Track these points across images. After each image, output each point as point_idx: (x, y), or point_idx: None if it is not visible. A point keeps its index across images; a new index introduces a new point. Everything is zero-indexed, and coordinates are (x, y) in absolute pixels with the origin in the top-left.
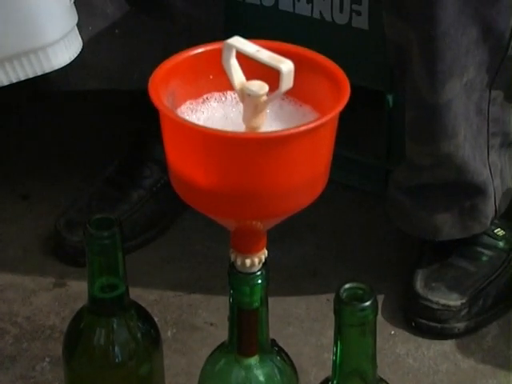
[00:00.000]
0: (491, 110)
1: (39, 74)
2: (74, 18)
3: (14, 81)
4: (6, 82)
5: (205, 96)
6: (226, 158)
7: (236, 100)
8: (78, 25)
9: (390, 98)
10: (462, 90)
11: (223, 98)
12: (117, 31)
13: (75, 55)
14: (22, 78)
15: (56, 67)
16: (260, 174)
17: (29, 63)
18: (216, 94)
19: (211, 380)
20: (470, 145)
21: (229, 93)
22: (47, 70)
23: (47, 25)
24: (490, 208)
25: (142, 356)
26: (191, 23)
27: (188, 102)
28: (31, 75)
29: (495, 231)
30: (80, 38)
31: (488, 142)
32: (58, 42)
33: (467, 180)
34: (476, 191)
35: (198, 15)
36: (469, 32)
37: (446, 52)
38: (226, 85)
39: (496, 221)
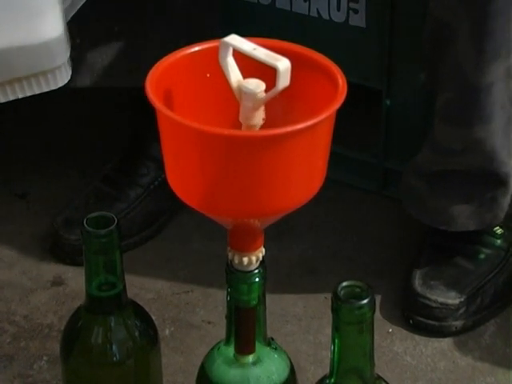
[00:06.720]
0: None
1: (44, 91)
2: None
3: (20, 97)
4: (11, 98)
5: None
6: (223, 157)
7: None
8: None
9: (386, 96)
10: (504, 75)
11: None
12: (116, 28)
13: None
14: (28, 95)
15: (60, 85)
16: (257, 172)
17: (37, 83)
18: None
19: (209, 378)
20: (500, 134)
21: None
22: (52, 88)
23: (57, 48)
24: (506, 202)
25: (140, 354)
26: (190, 21)
27: None
28: (37, 92)
29: (494, 229)
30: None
31: None
32: (64, 64)
33: (492, 169)
34: (498, 182)
35: (197, 13)
36: None
37: (497, 31)
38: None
39: None
